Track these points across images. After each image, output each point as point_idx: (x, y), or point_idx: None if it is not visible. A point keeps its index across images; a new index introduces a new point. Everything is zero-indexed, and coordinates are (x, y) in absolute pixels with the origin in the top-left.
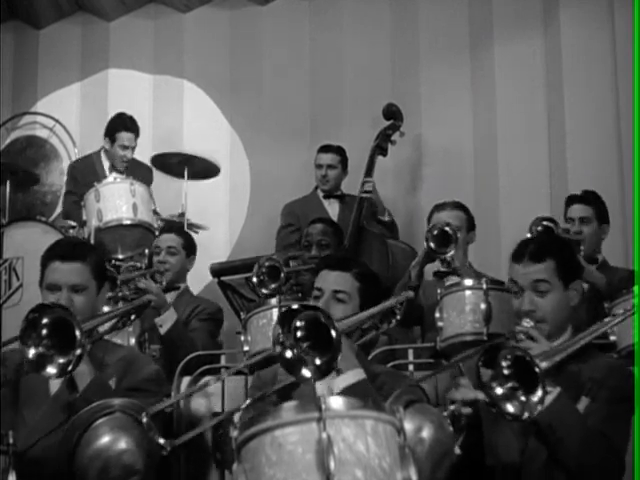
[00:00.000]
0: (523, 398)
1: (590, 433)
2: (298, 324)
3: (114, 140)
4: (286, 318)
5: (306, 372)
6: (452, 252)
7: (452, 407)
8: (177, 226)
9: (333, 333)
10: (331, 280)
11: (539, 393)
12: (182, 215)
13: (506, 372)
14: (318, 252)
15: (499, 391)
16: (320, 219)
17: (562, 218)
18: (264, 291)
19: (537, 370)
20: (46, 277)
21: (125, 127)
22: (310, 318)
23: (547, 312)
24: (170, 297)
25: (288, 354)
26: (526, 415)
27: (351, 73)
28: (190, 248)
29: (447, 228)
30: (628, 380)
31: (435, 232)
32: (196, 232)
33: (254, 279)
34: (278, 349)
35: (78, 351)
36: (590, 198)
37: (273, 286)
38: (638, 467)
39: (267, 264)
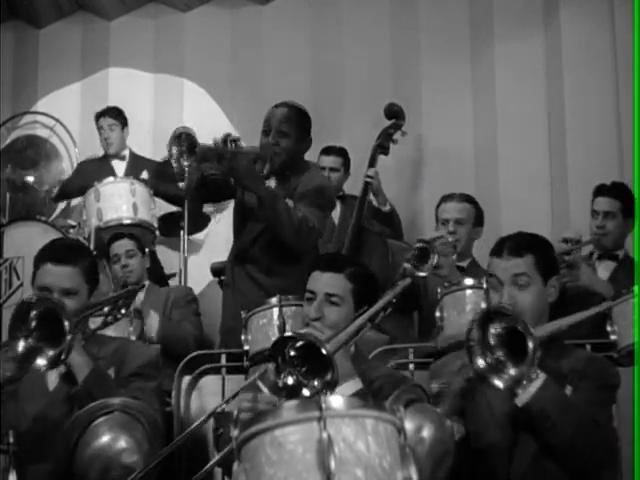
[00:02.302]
0: (512, 372)
1: (582, 417)
2: (292, 353)
3: (98, 130)
4: (279, 349)
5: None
6: (426, 273)
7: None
8: (125, 230)
9: (324, 352)
10: (323, 282)
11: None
12: (182, 215)
13: (492, 342)
14: (275, 140)
15: (482, 362)
16: (286, 104)
17: (562, 216)
18: (176, 168)
19: (531, 340)
20: (37, 279)
21: (100, 115)
22: (302, 345)
23: (526, 305)
24: (139, 297)
25: (289, 381)
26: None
27: (351, 72)
28: (143, 247)
29: (424, 244)
30: (608, 369)
31: (411, 256)
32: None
33: (172, 150)
34: (280, 383)
35: (67, 340)
36: (618, 191)
37: (186, 164)
38: (638, 467)
39: (186, 143)
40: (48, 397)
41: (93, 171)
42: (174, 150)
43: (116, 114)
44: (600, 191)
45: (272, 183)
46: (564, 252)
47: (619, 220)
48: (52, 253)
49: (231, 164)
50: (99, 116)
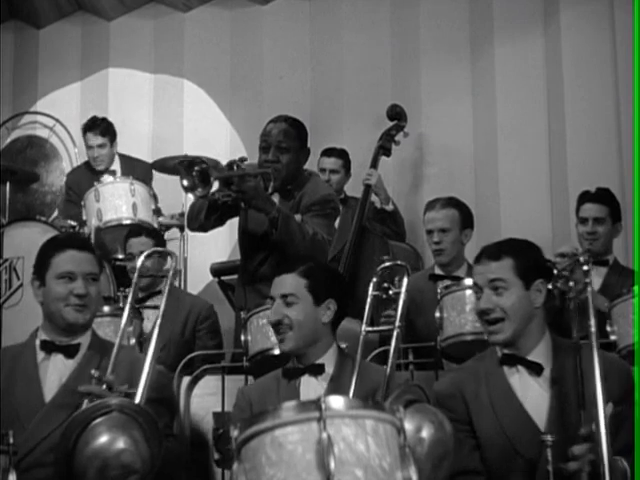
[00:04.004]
0: None
1: None
2: None
3: (85, 143)
4: None
5: None
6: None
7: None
8: (145, 228)
9: None
10: (278, 285)
11: None
12: (182, 214)
13: None
14: (275, 157)
15: None
16: (283, 118)
17: (562, 216)
18: (190, 195)
19: None
20: (57, 266)
21: (87, 128)
22: None
23: (506, 309)
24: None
25: None
26: None
27: (351, 73)
28: (163, 246)
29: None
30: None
31: None
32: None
33: (184, 182)
34: None
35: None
36: (605, 197)
37: (200, 190)
38: (638, 467)
39: (197, 168)
40: (45, 408)
41: (82, 179)
42: (185, 182)
43: (105, 130)
44: (586, 198)
45: (275, 199)
46: (564, 268)
47: (608, 225)
48: (72, 241)
49: (240, 187)
50: (87, 130)
